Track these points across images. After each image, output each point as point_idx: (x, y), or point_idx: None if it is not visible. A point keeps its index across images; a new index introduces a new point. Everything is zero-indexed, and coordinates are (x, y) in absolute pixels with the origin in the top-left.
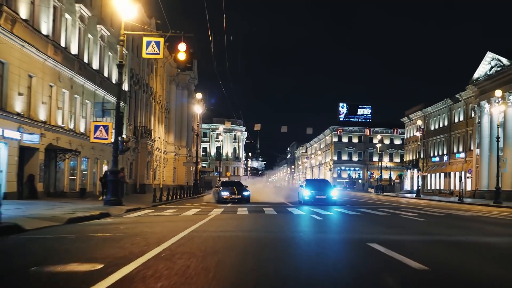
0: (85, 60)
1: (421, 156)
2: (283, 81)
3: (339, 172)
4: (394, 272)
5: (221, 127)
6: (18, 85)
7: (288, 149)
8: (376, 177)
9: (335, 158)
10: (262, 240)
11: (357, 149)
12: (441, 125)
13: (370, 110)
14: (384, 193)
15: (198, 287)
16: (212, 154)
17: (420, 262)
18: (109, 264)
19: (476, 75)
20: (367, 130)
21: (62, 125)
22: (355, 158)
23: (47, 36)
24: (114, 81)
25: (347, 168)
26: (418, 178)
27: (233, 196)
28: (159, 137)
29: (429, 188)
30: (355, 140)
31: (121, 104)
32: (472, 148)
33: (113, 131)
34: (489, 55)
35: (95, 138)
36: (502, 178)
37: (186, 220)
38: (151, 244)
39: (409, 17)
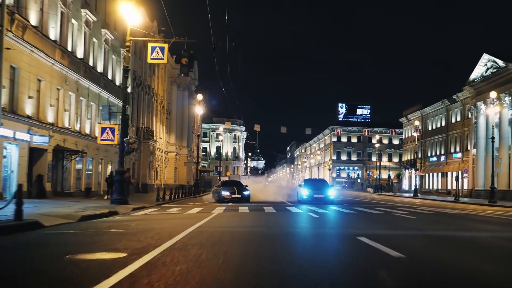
0: (90, 64)
1: (419, 156)
2: (282, 81)
3: (338, 171)
4: (375, 259)
5: (221, 127)
6: (28, 89)
7: (288, 148)
8: (375, 176)
9: (334, 157)
10: (262, 234)
11: (356, 149)
12: (438, 125)
13: (369, 110)
14: (383, 193)
15: (210, 269)
16: (212, 153)
17: (399, 251)
18: (131, 253)
19: (472, 76)
20: (365, 130)
21: (69, 127)
22: (354, 158)
23: (55, 41)
24: (117, 83)
25: (346, 168)
26: (415, 177)
27: (233, 196)
28: (160, 138)
29: (426, 187)
30: (354, 140)
31: (126, 105)
32: (468, 148)
33: (119, 133)
34: (485, 57)
35: (102, 139)
36: (498, 178)
37: (191, 218)
38: (164, 237)
39: (409, 18)
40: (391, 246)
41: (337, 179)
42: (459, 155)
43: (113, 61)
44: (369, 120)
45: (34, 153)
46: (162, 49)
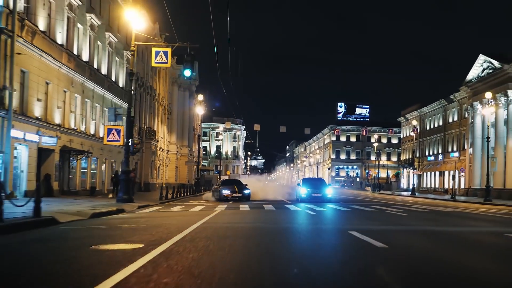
0: (95, 66)
1: (417, 155)
2: (282, 81)
3: (337, 170)
4: (361, 248)
5: (221, 126)
6: (37, 92)
7: (287, 147)
8: (373, 175)
9: (333, 156)
10: (263, 229)
11: (355, 148)
12: (436, 125)
13: (368, 110)
14: (381, 191)
15: (218, 257)
16: (212, 153)
17: (383, 243)
18: (148, 244)
19: (469, 76)
20: (363, 130)
21: (75, 128)
22: (353, 157)
23: (61, 45)
24: (120, 85)
25: (345, 167)
26: (413, 176)
27: (234, 195)
28: (162, 137)
29: (424, 186)
30: (353, 139)
31: (127, 106)
32: (465, 147)
33: (125, 134)
34: (481, 58)
35: (108, 140)
36: (494, 176)
37: (195, 215)
38: (173, 232)
39: (409, 18)
40: (377, 239)
41: (336, 178)
42: (456, 154)
43: (116, 63)
44: (368, 120)
45: (42, 153)
46: (165, 53)
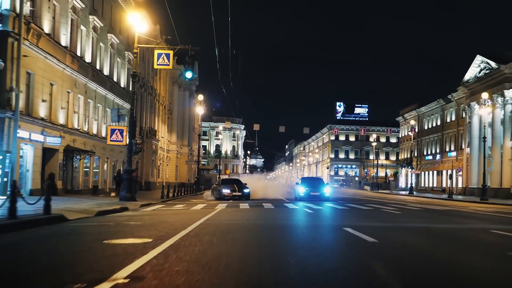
0: (97, 67)
1: (415, 154)
2: (281, 80)
3: (336, 169)
4: (353, 242)
5: (220, 126)
6: (42, 93)
7: (286, 146)
8: (372, 175)
9: (332, 156)
10: (262, 226)
11: (353, 147)
12: (434, 125)
13: (366, 109)
14: (379, 191)
15: (222, 249)
16: (212, 152)
17: (374, 238)
18: (156, 239)
19: (466, 77)
20: (362, 129)
21: (78, 128)
22: (352, 156)
23: (65, 47)
24: (122, 85)
25: (344, 166)
26: (411, 176)
27: (234, 194)
28: (162, 137)
29: (422, 185)
30: (352, 138)
31: (129, 106)
32: (463, 147)
33: (127, 134)
34: (479, 58)
35: (111, 140)
36: (491, 176)
37: (197, 213)
38: (178, 228)
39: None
40: (369, 234)
41: (335, 177)
42: (453, 153)
43: (118, 64)
44: (367, 119)
45: (47, 153)
46: (167, 55)
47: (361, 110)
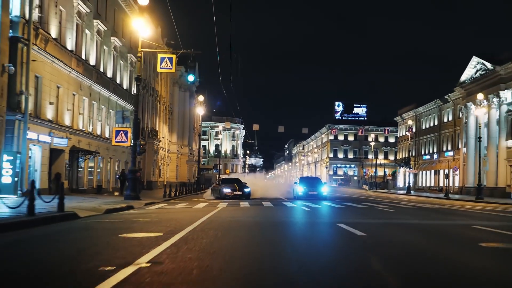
0: (101, 70)
1: (413, 154)
2: (281, 80)
3: (335, 169)
4: (344, 236)
5: (220, 126)
6: (49, 95)
7: (286, 146)
8: (370, 174)
9: (331, 155)
10: (262, 222)
11: (352, 147)
12: (431, 125)
13: (365, 109)
14: (378, 190)
15: (227, 242)
16: (211, 151)
17: (363, 232)
18: (166, 233)
19: (463, 77)
20: (360, 129)
21: (83, 129)
22: (350, 156)
23: (71, 51)
24: (125, 87)
25: (342, 166)
26: (409, 175)
27: (234, 193)
28: (163, 137)
29: (420, 185)
30: (350, 138)
31: (131, 107)
32: (460, 147)
33: (132, 135)
34: (475, 59)
35: (116, 141)
36: (487, 175)
37: (200, 211)
38: (184, 224)
39: (409, 19)
40: (360, 229)
41: (334, 177)
42: (450, 153)
43: (120, 66)
44: (366, 119)
45: (53, 153)
46: (170, 59)
47: (360, 110)
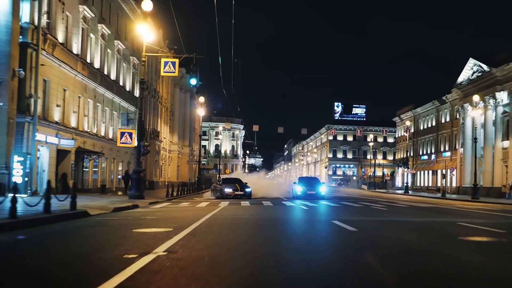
0: (105, 72)
1: (411, 154)
2: (280, 80)
3: (334, 169)
4: (337, 230)
5: (220, 126)
6: (56, 98)
7: (285, 146)
8: (369, 174)
9: (330, 155)
10: (263, 220)
11: (351, 147)
12: (429, 125)
13: (364, 109)
14: (376, 190)
15: (230, 236)
16: (211, 151)
17: (355, 228)
18: (175, 229)
19: (460, 79)
20: (359, 130)
21: (88, 130)
22: (349, 156)
23: (77, 54)
24: (127, 89)
25: (342, 166)
26: (407, 175)
27: (236, 193)
28: (164, 138)
29: (418, 185)
30: (349, 138)
31: (134, 109)
32: (457, 147)
33: (136, 137)
34: (471, 61)
35: (121, 143)
36: (483, 175)
37: (203, 209)
38: (191, 221)
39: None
40: (352, 225)
41: (333, 177)
42: (448, 154)
43: (123, 69)
44: (365, 119)
45: (60, 154)
46: (173, 63)
47: (359, 111)
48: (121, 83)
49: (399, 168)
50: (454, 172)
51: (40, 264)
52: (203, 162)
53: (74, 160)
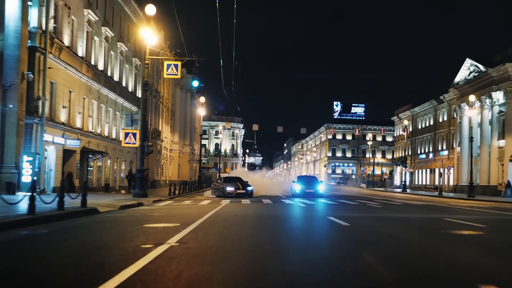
0: (109, 74)
1: (409, 153)
2: (280, 80)
3: (333, 168)
4: (331, 225)
5: (220, 125)
6: (63, 100)
7: (285, 145)
8: (368, 173)
9: (330, 154)
10: (263, 216)
11: (350, 146)
12: (427, 124)
13: (363, 109)
14: (375, 188)
15: (234, 230)
16: (211, 150)
17: (348, 223)
18: (182, 224)
19: (457, 79)
20: (357, 129)
21: (92, 131)
22: (348, 155)
23: (82, 57)
24: (130, 90)
25: (341, 164)
26: (405, 174)
27: (238, 191)
28: (165, 137)
29: (416, 183)
30: (348, 137)
31: (136, 109)
32: (454, 146)
33: (140, 137)
34: (468, 61)
35: (126, 143)
36: (480, 174)
37: (206, 207)
38: (195, 218)
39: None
40: (345, 221)
41: (332, 175)
42: (445, 152)
43: (126, 70)
44: (364, 118)
45: (65, 154)
46: (176, 66)
47: (358, 110)
48: (124, 84)
49: (398, 166)
50: (452, 171)
51: (72, 252)
52: (203, 161)
53: (79, 160)
